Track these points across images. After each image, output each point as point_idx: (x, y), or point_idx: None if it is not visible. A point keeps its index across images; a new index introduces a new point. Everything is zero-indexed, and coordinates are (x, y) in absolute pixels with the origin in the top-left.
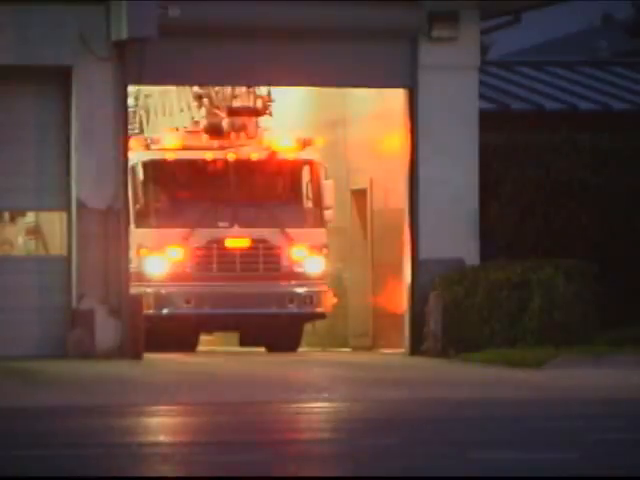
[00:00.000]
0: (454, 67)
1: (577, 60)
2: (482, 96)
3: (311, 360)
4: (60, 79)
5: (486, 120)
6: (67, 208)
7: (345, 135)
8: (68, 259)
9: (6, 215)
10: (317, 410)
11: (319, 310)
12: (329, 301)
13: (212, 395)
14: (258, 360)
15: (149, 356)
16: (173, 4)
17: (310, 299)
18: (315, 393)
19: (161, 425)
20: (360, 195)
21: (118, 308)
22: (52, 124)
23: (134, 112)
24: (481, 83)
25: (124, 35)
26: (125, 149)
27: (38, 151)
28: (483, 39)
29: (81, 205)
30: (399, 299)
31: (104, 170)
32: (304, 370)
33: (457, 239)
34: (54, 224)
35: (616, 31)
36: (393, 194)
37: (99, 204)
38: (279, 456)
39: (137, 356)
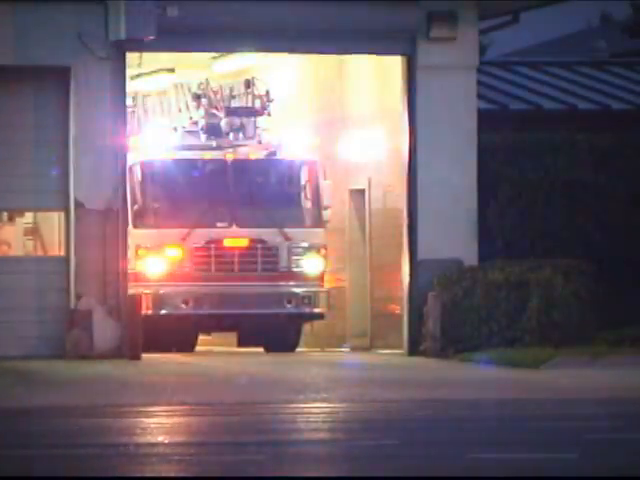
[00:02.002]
0: (453, 67)
1: (576, 60)
2: (481, 96)
3: (309, 360)
4: (59, 79)
5: (485, 120)
6: (65, 208)
7: (344, 135)
8: (66, 259)
9: (4, 215)
10: (315, 411)
11: (317, 310)
12: (327, 301)
13: (210, 395)
14: (256, 360)
15: (147, 356)
16: (172, 4)
17: (308, 299)
18: (313, 394)
19: (159, 425)
20: (358, 195)
21: (116, 308)
22: (50, 124)
23: (132, 112)
24: (480, 83)
25: (122, 35)
26: (123, 149)
27: (37, 151)
28: (482, 39)
29: (79, 205)
30: (397, 299)
31: (102, 170)
32: (302, 370)
33: (456, 239)
34: (53, 224)
35: (615, 31)
36: (391, 194)
37: (97, 204)
38: (278, 456)
39: (135, 356)
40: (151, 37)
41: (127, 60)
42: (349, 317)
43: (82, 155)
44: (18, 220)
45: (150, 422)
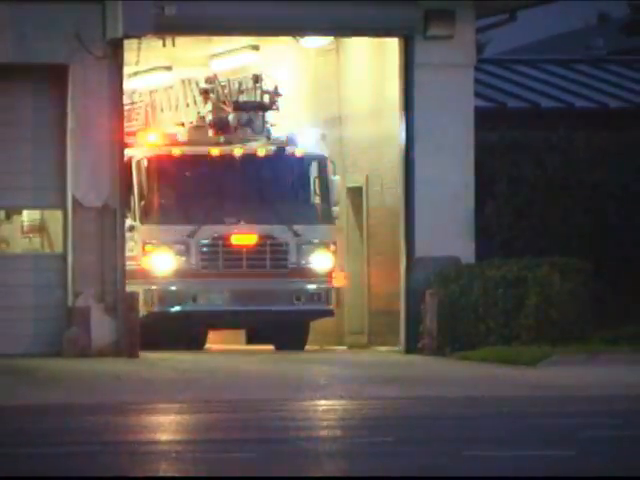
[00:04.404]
0: (450, 65)
1: (573, 58)
2: (478, 94)
3: (307, 358)
4: (56, 77)
5: (482, 118)
6: (63, 206)
7: (341, 133)
8: (64, 257)
9: (2, 213)
10: (313, 408)
11: (327, 307)
12: (337, 298)
13: (208, 393)
14: (255, 358)
15: (145, 354)
16: (170, 2)
17: (318, 296)
18: (311, 391)
19: (158, 423)
20: (356, 193)
21: (114, 306)
22: (48, 122)
23: (140, 107)
24: (477, 81)
25: (120, 33)
26: (121, 147)
27: (34, 149)
28: (479, 37)
29: (77, 203)
30: (395, 297)
31: (100, 168)
32: (300, 368)
33: (453, 237)
34: (57, 222)
35: (612, 30)
36: (389, 192)
37: (95, 202)
38: (275, 454)
39: (133, 354)
40: (149, 35)
41: (124, 58)
42: (347, 315)
43: (80, 153)
44: (16, 218)
45: (148, 420)
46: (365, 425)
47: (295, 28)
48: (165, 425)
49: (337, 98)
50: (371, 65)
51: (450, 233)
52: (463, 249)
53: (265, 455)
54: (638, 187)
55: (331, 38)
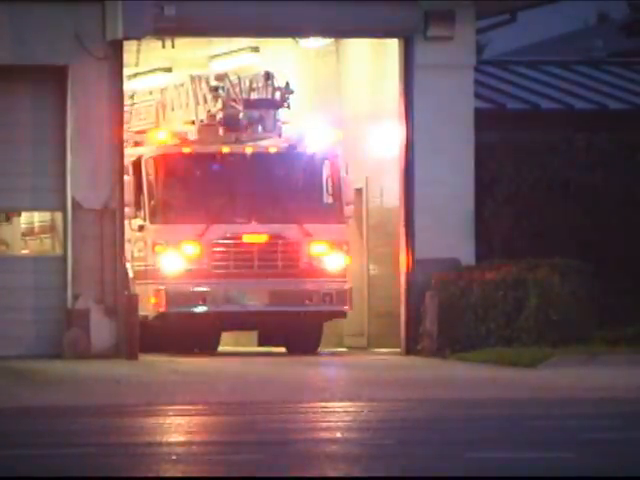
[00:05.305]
0: (450, 66)
1: (573, 59)
2: (478, 95)
3: (306, 360)
4: (56, 78)
5: (482, 119)
6: (63, 208)
7: (341, 134)
8: (64, 259)
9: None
10: (312, 410)
11: (340, 308)
12: (350, 299)
13: (207, 395)
14: (256, 361)
15: (144, 356)
16: (169, 3)
17: (330, 297)
18: (311, 393)
19: (157, 425)
20: (356, 194)
21: (114, 308)
22: (48, 124)
23: (150, 106)
24: (477, 82)
25: (119, 34)
26: (121, 149)
27: (34, 151)
28: (479, 38)
29: (77, 205)
30: (395, 299)
31: (100, 170)
32: (299, 370)
33: (453, 239)
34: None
35: (612, 31)
36: (389, 193)
37: (95, 204)
38: (276, 456)
39: (133, 356)
40: (148, 36)
41: (124, 60)
42: (347, 316)
43: (79, 155)
44: (15, 219)
45: (148, 421)
46: (365, 427)
47: (295, 29)
48: (164, 427)
49: (337, 99)
50: (371, 66)
51: (450, 235)
52: (463, 251)
53: (265, 457)
54: (638, 188)
55: (331, 39)
